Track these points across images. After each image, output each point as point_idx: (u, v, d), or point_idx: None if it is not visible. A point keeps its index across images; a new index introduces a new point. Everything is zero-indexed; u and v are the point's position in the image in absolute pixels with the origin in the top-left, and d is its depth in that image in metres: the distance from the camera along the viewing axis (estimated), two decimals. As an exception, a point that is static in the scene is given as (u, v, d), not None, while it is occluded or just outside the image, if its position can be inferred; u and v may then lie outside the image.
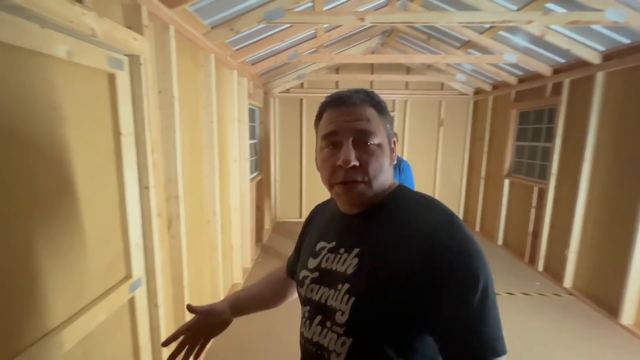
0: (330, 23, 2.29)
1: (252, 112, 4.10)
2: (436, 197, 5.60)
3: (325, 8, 2.57)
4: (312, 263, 0.71)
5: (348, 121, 0.62)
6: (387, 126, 0.67)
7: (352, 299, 0.60)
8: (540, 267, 3.72)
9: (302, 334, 0.70)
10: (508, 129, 4.49)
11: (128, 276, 1.46)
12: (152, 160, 1.53)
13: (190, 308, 0.84)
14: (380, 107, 0.66)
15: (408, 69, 5.46)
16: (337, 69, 5.41)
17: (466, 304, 0.52)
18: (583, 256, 3.20)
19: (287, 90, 5.42)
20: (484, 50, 3.82)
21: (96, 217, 1.23)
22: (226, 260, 3.03)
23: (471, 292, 0.52)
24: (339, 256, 0.66)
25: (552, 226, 3.60)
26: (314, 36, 3.46)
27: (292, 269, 0.88)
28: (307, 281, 0.70)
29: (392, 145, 0.68)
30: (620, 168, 2.82)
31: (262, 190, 4.60)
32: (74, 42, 1.06)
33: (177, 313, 1.91)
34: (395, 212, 0.63)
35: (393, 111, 5.51)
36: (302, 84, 5.46)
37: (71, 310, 1.09)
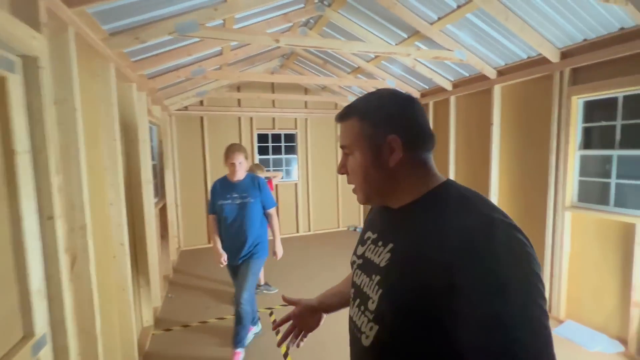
0: (246, 42, 2.35)
1: (150, 131, 3.68)
2: (339, 208, 6.21)
3: (235, 26, 2.61)
4: (359, 250, 0.76)
5: (340, 136, 0.73)
6: (372, 131, 0.66)
7: (380, 291, 0.63)
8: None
9: (349, 310, 0.77)
10: (392, 142, 5.35)
11: (29, 335, 1.14)
12: (57, 184, 1.25)
13: (284, 298, 1.01)
14: (363, 112, 0.68)
15: (306, 90, 5.89)
16: (238, 87, 5.39)
17: (487, 316, 0.48)
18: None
19: (186, 108, 5.08)
20: (369, 75, 4.50)
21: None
22: (135, 300, 2.59)
23: (493, 303, 0.48)
24: (377, 248, 0.69)
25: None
26: (220, 53, 3.41)
27: None
28: (355, 266, 0.77)
29: (389, 144, 0.64)
30: (472, 163, 3.77)
31: (165, 217, 4.11)
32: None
33: (90, 372, 1.55)
34: (432, 212, 0.62)
35: (295, 129, 5.82)
36: (201, 102, 5.21)
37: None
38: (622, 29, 2.29)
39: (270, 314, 3.10)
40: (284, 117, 5.72)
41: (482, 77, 3.43)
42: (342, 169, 0.72)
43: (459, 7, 2.60)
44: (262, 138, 5.72)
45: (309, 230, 6.02)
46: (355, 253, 0.79)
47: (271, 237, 2.53)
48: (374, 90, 0.73)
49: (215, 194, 2.38)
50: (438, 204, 0.62)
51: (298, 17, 3.15)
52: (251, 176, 2.42)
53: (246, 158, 2.38)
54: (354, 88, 5.27)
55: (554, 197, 2.83)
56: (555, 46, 2.69)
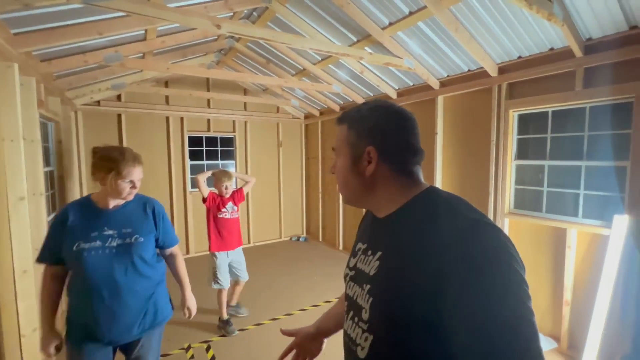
0: (179, 23, 1.91)
1: (44, 127, 2.88)
2: (281, 212, 5.87)
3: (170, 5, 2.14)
4: (352, 262, 0.77)
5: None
6: (355, 139, 0.69)
7: (371, 299, 0.64)
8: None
9: (344, 325, 0.77)
10: (337, 148, 5.25)
11: None
12: None
13: (283, 331, 1.00)
14: (352, 120, 0.71)
15: (245, 90, 5.46)
16: (166, 83, 4.71)
17: (475, 320, 0.49)
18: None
19: (97, 103, 4.22)
20: (314, 79, 4.32)
21: None
22: (11, 355, 1.90)
23: (482, 304, 0.49)
24: (367, 257, 0.70)
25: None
26: (143, 38, 2.85)
27: None
28: (347, 278, 0.77)
29: (367, 155, 0.67)
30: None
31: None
32: None
33: None
34: (413, 220, 0.63)
35: (234, 132, 5.34)
36: (119, 96, 4.40)
37: None
38: (552, 49, 2.50)
39: (207, 348, 2.63)
40: (221, 118, 5.19)
41: (426, 87, 3.51)
42: (332, 169, 0.77)
43: (411, 13, 2.56)
44: (195, 141, 5.10)
45: (249, 242, 5.54)
46: (347, 266, 0.78)
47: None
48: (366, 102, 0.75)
49: (66, 230, 1.28)
50: (421, 210, 0.64)
51: (241, 5, 2.79)
52: (142, 200, 1.46)
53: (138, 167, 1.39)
54: (298, 91, 5.04)
55: (493, 204, 2.97)
56: (494, 61, 2.84)
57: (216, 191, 2.94)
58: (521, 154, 2.86)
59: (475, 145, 3.14)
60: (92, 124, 4.25)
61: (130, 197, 1.38)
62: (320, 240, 5.77)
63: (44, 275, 1.31)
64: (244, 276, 3.03)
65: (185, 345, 2.64)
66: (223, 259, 2.85)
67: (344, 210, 5.23)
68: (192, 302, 1.65)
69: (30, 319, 2.08)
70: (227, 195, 2.92)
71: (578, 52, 2.28)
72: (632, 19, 2.04)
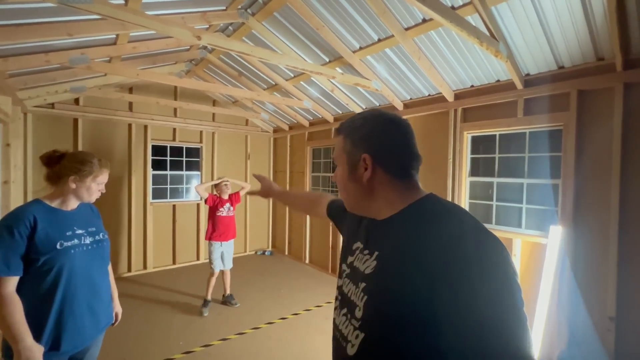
0: (159, 32, 1.92)
1: (-10, 129, 2.64)
2: (247, 232, 5.78)
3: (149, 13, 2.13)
4: (349, 259, 0.79)
5: None
6: (350, 147, 0.73)
7: (365, 297, 0.66)
8: (341, 273, 4.55)
9: (334, 319, 0.78)
10: (305, 162, 5.36)
11: None
12: None
13: (256, 174, 1.45)
14: (348, 130, 0.75)
15: (215, 102, 5.41)
16: (130, 89, 4.53)
17: (472, 320, 0.50)
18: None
19: (52, 105, 3.94)
20: (285, 94, 4.45)
21: None
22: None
23: (478, 308, 0.50)
24: (364, 257, 0.72)
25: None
26: (114, 42, 2.77)
27: (332, 213, 1.06)
28: (344, 275, 0.79)
29: (363, 162, 0.70)
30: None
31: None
32: None
33: None
34: (413, 223, 0.65)
35: (200, 142, 5.23)
36: (77, 100, 4.15)
37: None
38: (498, 81, 2.86)
39: (170, 366, 2.49)
40: (188, 128, 5.08)
41: (391, 108, 3.78)
42: (334, 177, 0.81)
43: (380, 40, 2.80)
44: (159, 151, 4.91)
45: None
46: (345, 262, 0.81)
47: None
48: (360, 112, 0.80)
49: (38, 235, 1.20)
50: (420, 214, 0.66)
51: (218, 19, 2.85)
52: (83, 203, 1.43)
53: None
54: (268, 105, 5.12)
55: (451, 217, 3.23)
56: (451, 88, 3.17)
57: (217, 194, 3.64)
58: (474, 171, 3.18)
59: (435, 163, 3.42)
60: (44, 128, 3.94)
61: (93, 199, 1.41)
62: (286, 253, 5.75)
63: (5, 289, 1.15)
64: (228, 265, 3.62)
65: (144, 365, 2.48)
66: (216, 247, 3.51)
67: (310, 224, 5.30)
68: (119, 308, 1.61)
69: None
70: (226, 197, 3.60)
71: (519, 85, 2.65)
72: (559, 60, 2.44)
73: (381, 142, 0.70)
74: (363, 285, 0.67)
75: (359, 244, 0.77)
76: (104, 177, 1.39)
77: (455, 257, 0.54)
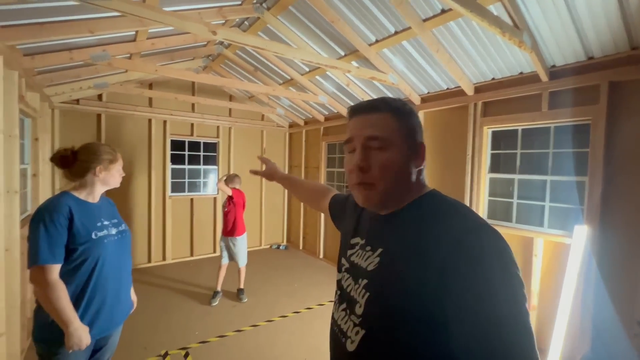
0: (176, 27, 1.95)
1: (21, 123, 2.77)
2: (262, 226, 5.85)
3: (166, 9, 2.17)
4: (348, 254, 0.77)
5: (360, 128, 0.68)
6: (408, 131, 0.67)
7: (367, 294, 0.65)
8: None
9: (332, 313, 0.77)
10: (320, 157, 5.35)
11: None
12: None
13: (259, 157, 1.43)
14: (399, 112, 0.67)
15: (231, 97, 5.47)
16: (150, 85, 4.65)
17: (478, 316, 0.50)
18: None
19: (77, 101, 4.09)
20: (301, 89, 4.43)
21: None
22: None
23: (486, 304, 0.50)
24: (366, 253, 0.70)
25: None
26: (133, 39, 2.84)
27: (332, 209, 1.03)
28: (343, 269, 0.78)
29: (419, 149, 0.68)
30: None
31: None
32: None
33: None
34: (420, 218, 0.64)
35: (217, 137, 5.32)
36: (100, 96, 4.29)
37: None
38: (521, 73, 2.74)
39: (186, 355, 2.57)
40: (205, 123, 5.16)
41: (408, 102, 3.69)
42: (365, 162, 0.66)
43: (396, 32, 2.73)
44: (177, 145, 5.03)
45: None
46: (344, 256, 0.79)
47: None
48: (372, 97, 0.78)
49: (75, 224, 1.26)
50: (427, 209, 0.65)
51: (234, 14, 2.86)
52: (103, 197, 1.52)
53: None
54: (284, 100, 5.13)
55: (468, 215, 3.14)
56: (471, 81, 3.06)
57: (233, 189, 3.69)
58: (494, 167, 3.07)
59: (453, 159, 3.32)
60: (69, 123, 4.11)
61: (119, 183, 1.49)
62: (301, 248, 5.78)
63: (52, 276, 1.21)
64: (238, 262, 3.64)
65: (162, 353, 2.56)
66: (220, 241, 3.67)
67: (325, 219, 5.29)
68: (134, 297, 1.65)
69: (-1, 323, 1.97)
70: (229, 193, 3.61)
71: (544, 77, 2.52)
72: (589, 51, 2.30)
73: (423, 133, 0.71)
74: (365, 282, 0.66)
75: (358, 239, 0.76)
76: (121, 161, 1.48)
77: (467, 252, 0.53)
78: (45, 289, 1.19)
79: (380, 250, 0.67)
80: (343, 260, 0.79)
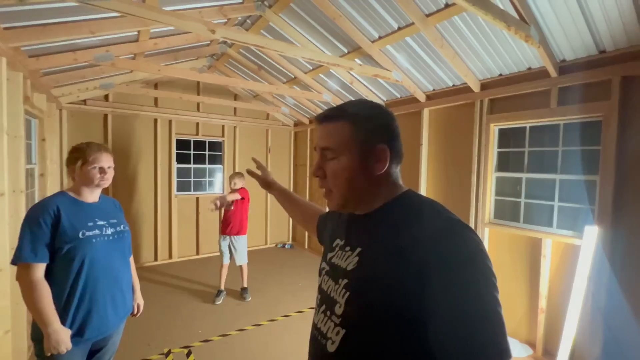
0: (174, 26, 1.95)
1: (27, 124, 2.82)
2: (268, 219, 5.86)
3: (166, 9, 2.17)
4: (328, 257, 0.77)
5: (319, 138, 0.71)
6: (364, 137, 0.67)
7: (347, 294, 0.65)
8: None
9: (313, 319, 0.77)
10: (325, 156, 5.31)
11: None
12: None
13: (255, 159, 1.32)
14: (356, 118, 0.68)
15: (236, 96, 5.48)
16: (156, 85, 4.69)
17: (455, 311, 0.52)
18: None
19: (84, 102, 4.15)
20: (305, 88, 4.40)
21: None
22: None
23: (461, 299, 0.52)
24: (345, 253, 0.71)
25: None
26: (135, 39, 2.85)
27: (319, 229, 1.02)
28: (323, 272, 0.77)
29: (378, 154, 0.67)
30: (403, 180, 3.92)
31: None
32: None
33: None
34: (397, 217, 0.66)
35: (222, 136, 5.33)
36: (106, 96, 4.35)
37: None
38: (529, 68, 2.65)
39: (188, 353, 2.58)
40: (210, 122, 5.19)
41: (413, 100, 3.63)
42: (319, 171, 0.71)
43: (400, 28, 2.68)
44: (183, 145, 5.06)
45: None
46: (325, 260, 0.79)
47: None
48: (358, 99, 0.75)
49: (62, 224, 1.26)
50: (403, 209, 0.67)
51: (235, 13, 2.85)
52: (109, 199, 1.54)
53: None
54: (288, 99, 5.11)
55: (474, 214, 3.07)
56: (477, 77, 2.98)
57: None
58: (501, 166, 2.99)
59: (459, 157, 3.25)
60: (77, 123, 4.17)
61: (104, 184, 1.41)
62: (306, 247, 5.77)
63: (34, 275, 1.20)
64: (238, 260, 3.65)
65: (165, 351, 2.58)
66: (221, 240, 3.64)
67: (330, 217, 5.26)
68: (141, 300, 1.66)
69: (4, 321, 2.01)
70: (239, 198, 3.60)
71: (553, 73, 2.44)
72: (600, 44, 2.21)
73: (393, 133, 0.70)
74: (345, 281, 0.67)
75: (338, 241, 0.77)
76: (97, 160, 1.36)
77: (443, 250, 0.55)
78: (27, 287, 1.19)
79: (359, 249, 0.68)
80: (323, 264, 0.79)
